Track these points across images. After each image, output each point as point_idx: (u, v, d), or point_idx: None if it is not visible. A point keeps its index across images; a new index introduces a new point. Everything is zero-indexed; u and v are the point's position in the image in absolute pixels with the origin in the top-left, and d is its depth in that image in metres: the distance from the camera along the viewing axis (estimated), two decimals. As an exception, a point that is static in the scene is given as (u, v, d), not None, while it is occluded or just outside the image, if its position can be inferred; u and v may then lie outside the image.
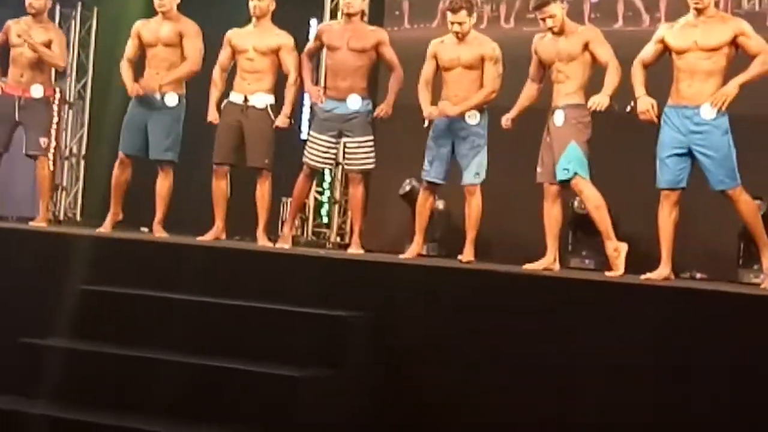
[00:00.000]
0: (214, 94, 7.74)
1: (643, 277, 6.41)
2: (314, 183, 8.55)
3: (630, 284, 6.02)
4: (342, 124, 7.59)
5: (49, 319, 6.12)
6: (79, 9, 10.70)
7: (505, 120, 7.10)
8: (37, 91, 8.21)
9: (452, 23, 7.20)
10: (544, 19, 6.89)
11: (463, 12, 7.16)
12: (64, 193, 10.57)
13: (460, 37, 7.21)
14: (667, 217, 6.51)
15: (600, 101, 6.69)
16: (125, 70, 7.94)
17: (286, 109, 7.66)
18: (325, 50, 8.03)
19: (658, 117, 6.50)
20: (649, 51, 6.65)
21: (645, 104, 6.52)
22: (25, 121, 8.20)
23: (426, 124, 7.28)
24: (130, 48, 7.98)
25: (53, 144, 9.42)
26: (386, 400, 5.75)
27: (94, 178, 10.06)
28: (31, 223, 8.24)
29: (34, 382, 5.71)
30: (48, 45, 8.25)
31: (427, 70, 7.36)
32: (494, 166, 7.26)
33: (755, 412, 5.14)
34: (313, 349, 5.71)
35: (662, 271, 6.45)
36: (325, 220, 9.69)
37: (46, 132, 8.38)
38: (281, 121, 7.64)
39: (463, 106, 7.15)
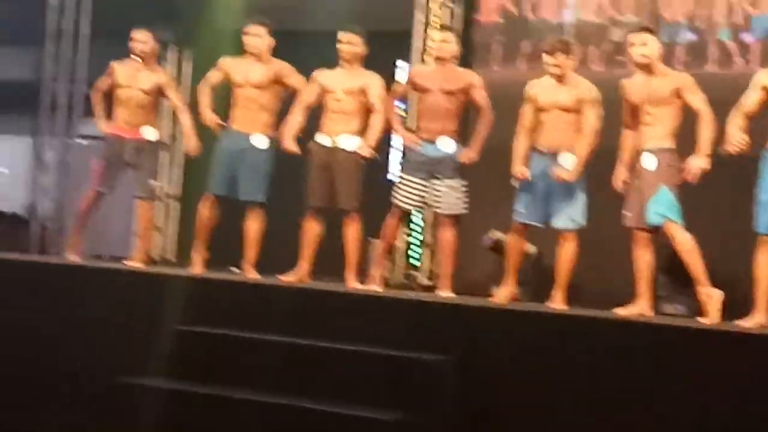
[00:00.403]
0: (293, 123, 7.76)
1: (737, 322, 6.32)
2: (403, 225, 8.55)
3: (724, 331, 5.93)
4: (433, 166, 7.59)
5: (145, 359, 6.21)
6: (172, 51, 10.87)
7: (618, 183, 6.99)
8: (149, 133, 8.30)
9: (548, 65, 7.18)
10: (635, 45, 6.84)
11: (559, 53, 7.14)
12: (159, 233, 10.70)
13: (559, 79, 7.19)
14: (764, 264, 6.41)
15: (699, 166, 6.61)
16: (203, 96, 8.00)
17: (370, 139, 7.66)
18: (412, 93, 8.08)
19: (755, 155, 6.43)
20: (751, 99, 6.55)
21: (736, 137, 6.44)
22: (135, 162, 8.25)
23: (516, 183, 7.23)
24: (214, 78, 8.04)
25: (160, 186, 9.58)
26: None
27: (188, 218, 10.20)
28: (126, 263, 8.27)
29: (131, 421, 5.79)
30: (158, 89, 8.35)
31: (526, 114, 7.25)
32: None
33: None
34: (402, 393, 5.71)
35: (757, 318, 6.34)
36: (415, 262, 9.69)
37: (155, 174, 8.49)
38: (365, 150, 7.64)
39: (574, 172, 7.01)
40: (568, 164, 7.04)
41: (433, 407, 5.70)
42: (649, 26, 7.09)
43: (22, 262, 7.82)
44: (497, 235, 8.45)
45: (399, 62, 10.12)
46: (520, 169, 7.16)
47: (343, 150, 7.66)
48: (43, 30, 11.20)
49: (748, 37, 8.57)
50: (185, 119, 8.40)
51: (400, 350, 5.88)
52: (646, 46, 6.83)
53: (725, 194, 7.02)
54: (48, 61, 11.11)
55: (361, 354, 5.95)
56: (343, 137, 7.67)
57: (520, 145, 7.23)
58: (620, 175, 6.98)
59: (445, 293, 7.52)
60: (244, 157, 7.89)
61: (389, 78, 8.64)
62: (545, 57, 7.18)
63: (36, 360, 6.75)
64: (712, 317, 6.51)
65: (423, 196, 7.76)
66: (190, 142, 8.29)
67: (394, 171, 9.11)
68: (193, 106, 8.20)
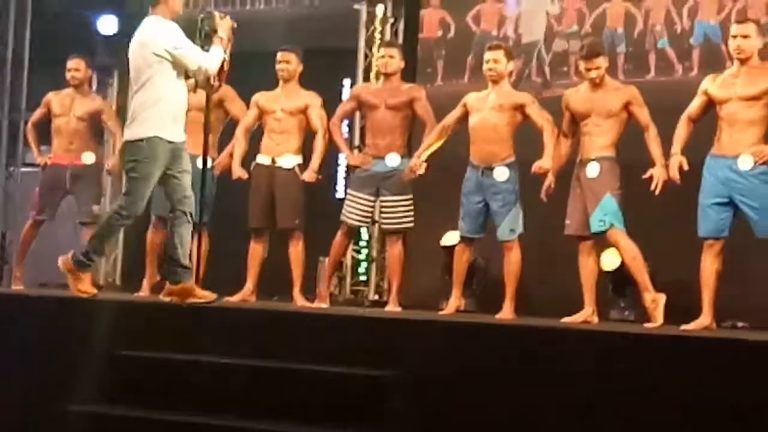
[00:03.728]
0: (238, 151, 7.77)
1: (683, 327, 6.36)
2: (351, 241, 8.55)
3: (669, 336, 5.93)
4: (380, 181, 7.62)
5: (92, 386, 6.16)
6: (116, 76, 10.82)
7: (545, 192, 7.03)
8: (88, 158, 8.33)
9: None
10: (589, 70, 6.87)
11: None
12: (103, 259, 10.61)
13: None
14: (708, 267, 6.50)
15: (659, 175, 6.66)
16: None
17: (314, 164, 7.68)
18: (359, 111, 8.11)
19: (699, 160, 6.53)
20: (694, 105, 6.69)
21: (674, 164, 6.58)
22: (76, 189, 8.30)
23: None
24: None
25: (105, 211, 9.54)
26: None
27: (132, 243, 10.14)
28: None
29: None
30: (96, 115, 8.37)
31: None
32: (530, 219, 7.23)
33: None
34: (351, 409, 5.68)
35: (703, 321, 6.43)
36: (363, 278, 9.68)
37: (97, 199, 8.48)
38: (308, 175, 7.65)
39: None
40: (502, 179, 7.10)
41: (382, 423, 5.65)
42: (599, 47, 7.07)
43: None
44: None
45: (345, 81, 10.12)
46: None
47: (283, 169, 7.66)
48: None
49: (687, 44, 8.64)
50: (118, 142, 8.44)
51: (349, 367, 5.84)
52: (599, 69, 6.87)
53: (669, 200, 7.04)
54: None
55: (309, 372, 5.91)
56: (283, 157, 7.67)
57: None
58: (550, 185, 7.02)
59: (392, 308, 7.52)
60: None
61: (336, 97, 8.64)
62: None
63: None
64: (656, 321, 6.58)
65: (371, 212, 7.79)
66: (112, 161, 8.42)
67: (342, 189, 9.12)
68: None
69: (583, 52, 7.03)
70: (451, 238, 8.62)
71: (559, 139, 7.06)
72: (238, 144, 7.79)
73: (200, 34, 6.83)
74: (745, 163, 6.40)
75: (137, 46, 6.68)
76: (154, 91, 6.61)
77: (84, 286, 6.88)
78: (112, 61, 10.65)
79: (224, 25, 6.84)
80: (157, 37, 6.61)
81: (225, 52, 6.82)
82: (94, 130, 8.54)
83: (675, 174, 6.58)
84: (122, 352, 6.20)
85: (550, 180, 7.01)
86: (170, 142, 6.67)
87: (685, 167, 6.58)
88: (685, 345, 5.64)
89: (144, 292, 7.97)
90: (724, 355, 5.45)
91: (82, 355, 6.40)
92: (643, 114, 6.84)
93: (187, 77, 6.77)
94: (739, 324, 7.49)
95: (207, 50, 6.76)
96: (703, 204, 6.53)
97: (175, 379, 6.07)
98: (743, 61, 6.50)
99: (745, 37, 6.47)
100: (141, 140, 6.64)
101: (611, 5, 8.89)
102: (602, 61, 6.89)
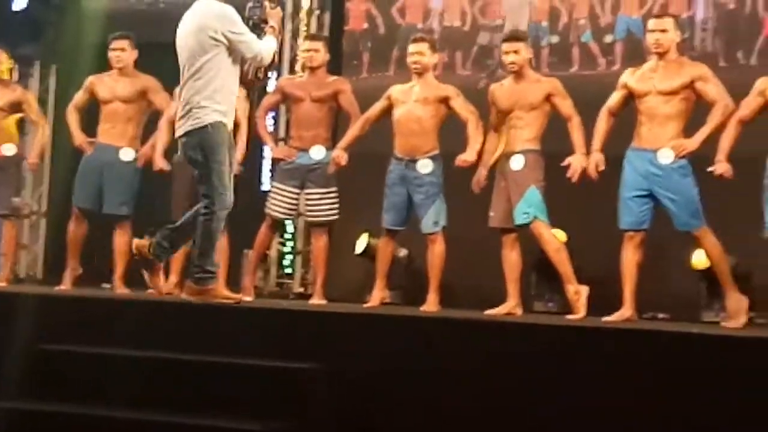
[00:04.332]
0: (160, 142, 7.72)
1: (604, 319, 6.43)
2: (276, 234, 8.52)
3: (591, 327, 6.00)
4: (305, 174, 7.61)
5: (7, 380, 6.06)
6: (37, 67, 10.67)
7: (476, 184, 7.07)
8: (8, 149, 8.20)
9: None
10: (507, 53, 6.88)
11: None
12: (24, 251, 10.48)
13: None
14: (630, 259, 6.58)
15: (578, 163, 6.71)
16: (72, 118, 7.97)
17: (237, 156, 7.62)
18: (284, 103, 8.09)
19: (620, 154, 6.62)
20: (614, 98, 6.75)
21: (592, 162, 6.65)
22: None
23: None
24: (80, 99, 8.00)
25: (25, 203, 9.44)
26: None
27: (54, 235, 10.02)
28: (-10, 284, 8.21)
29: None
30: (17, 106, 8.26)
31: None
32: (454, 211, 7.26)
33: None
34: (276, 403, 5.66)
35: (624, 313, 6.51)
36: (288, 270, 9.66)
37: (18, 191, 8.38)
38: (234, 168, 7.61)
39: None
40: (426, 171, 7.09)
41: (306, 416, 5.65)
42: (520, 33, 7.17)
43: None
44: (367, 240, 8.46)
45: (270, 73, 10.06)
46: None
47: None
48: None
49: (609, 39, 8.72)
50: (40, 134, 8.39)
51: (274, 360, 5.82)
52: (517, 54, 6.90)
53: (591, 192, 7.12)
54: None
55: (233, 366, 5.88)
56: None
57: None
58: (481, 178, 7.06)
59: (317, 301, 7.51)
60: (111, 170, 7.79)
61: (261, 89, 8.58)
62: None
63: None
64: (579, 313, 6.65)
65: (295, 205, 7.77)
66: (31, 158, 8.27)
67: (267, 181, 9.08)
68: (57, 121, 8.07)
69: (504, 36, 7.09)
70: (362, 244, 8.63)
71: (489, 133, 7.09)
72: (161, 135, 7.73)
73: (248, 23, 6.42)
74: (665, 156, 6.49)
75: (193, 30, 6.25)
76: (210, 79, 6.19)
77: (223, 293, 6.59)
78: (33, 52, 10.51)
79: (275, 15, 6.52)
80: (215, 21, 6.18)
81: (277, 42, 6.50)
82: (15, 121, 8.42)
83: (593, 172, 6.65)
84: (44, 346, 6.12)
85: (481, 173, 7.04)
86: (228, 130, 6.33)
87: (602, 167, 6.65)
88: (605, 336, 5.71)
89: (65, 285, 7.88)
90: (645, 346, 5.52)
91: (3, 349, 6.31)
92: (565, 105, 6.90)
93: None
94: (660, 315, 7.60)
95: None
96: (624, 197, 6.61)
97: (97, 373, 6.01)
98: (661, 55, 6.58)
99: (662, 31, 6.56)
100: (205, 127, 6.21)
101: (537, -1, 8.97)
102: (522, 48, 6.92)
